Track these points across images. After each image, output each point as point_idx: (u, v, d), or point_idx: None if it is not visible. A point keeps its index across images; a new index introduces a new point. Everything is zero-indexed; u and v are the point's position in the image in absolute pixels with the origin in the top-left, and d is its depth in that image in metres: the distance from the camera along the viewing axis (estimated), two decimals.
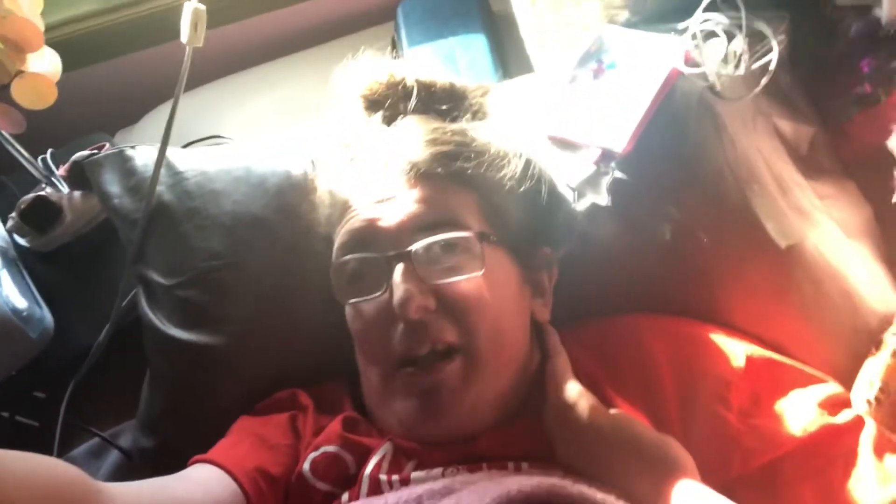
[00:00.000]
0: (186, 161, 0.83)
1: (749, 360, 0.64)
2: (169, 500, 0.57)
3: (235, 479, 0.61)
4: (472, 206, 0.66)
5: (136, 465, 0.77)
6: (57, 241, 0.93)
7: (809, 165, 0.71)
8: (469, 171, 0.66)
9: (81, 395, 0.83)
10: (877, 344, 0.63)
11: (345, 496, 0.62)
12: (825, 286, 0.66)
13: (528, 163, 0.70)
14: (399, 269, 0.61)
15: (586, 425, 0.60)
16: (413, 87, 0.73)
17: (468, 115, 0.73)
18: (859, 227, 0.70)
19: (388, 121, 0.72)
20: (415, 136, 0.67)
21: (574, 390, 0.63)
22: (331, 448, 0.64)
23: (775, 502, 0.61)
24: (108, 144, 0.97)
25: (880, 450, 0.59)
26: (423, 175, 0.65)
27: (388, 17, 1.10)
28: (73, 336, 0.88)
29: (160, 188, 0.80)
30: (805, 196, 0.69)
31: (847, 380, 0.64)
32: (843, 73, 0.72)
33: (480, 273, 0.62)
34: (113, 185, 0.83)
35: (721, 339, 0.65)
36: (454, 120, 0.73)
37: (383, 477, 0.61)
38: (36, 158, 0.96)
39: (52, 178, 0.96)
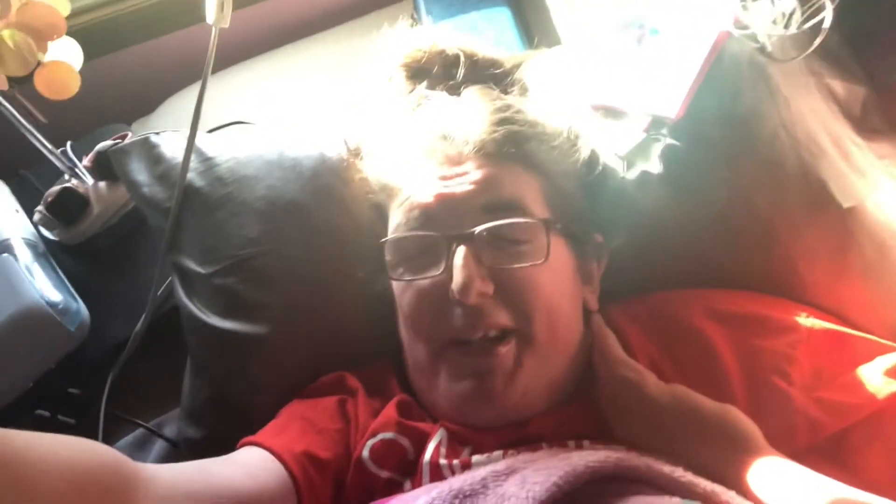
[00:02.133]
0: (216, 146, 0.81)
1: (809, 332, 0.63)
2: (212, 482, 0.55)
3: (283, 462, 0.60)
4: (538, 190, 0.65)
5: (183, 454, 0.75)
6: (85, 233, 0.91)
7: (863, 126, 0.70)
8: (539, 155, 0.65)
9: (120, 388, 0.81)
10: None
11: (407, 484, 0.61)
12: (888, 248, 0.64)
13: (585, 146, 0.69)
14: (461, 251, 0.60)
15: (642, 399, 0.59)
16: (458, 56, 0.71)
17: (516, 89, 0.72)
18: None
19: (445, 90, 0.70)
20: (482, 112, 0.66)
21: (626, 366, 0.62)
22: (388, 435, 0.63)
23: (845, 470, 0.59)
24: (129, 133, 0.95)
25: None
26: (491, 154, 0.63)
27: None
28: (108, 328, 0.86)
29: (191, 175, 0.78)
30: (864, 156, 0.67)
31: None
32: (890, 31, 0.70)
33: (543, 262, 0.61)
34: (141, 173, 0.81)
35: (779, 312, 0.64)
36: (505, 93, 0.71)
37: (443, 462, 0.60)
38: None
39: (76, 170, 0.94)
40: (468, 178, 0.63)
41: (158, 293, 0.83)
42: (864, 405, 0.59)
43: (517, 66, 0.76)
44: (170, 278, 0.85)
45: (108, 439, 0.78)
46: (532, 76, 0.75)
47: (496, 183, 0.63)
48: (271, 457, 0.60)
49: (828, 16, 0.66)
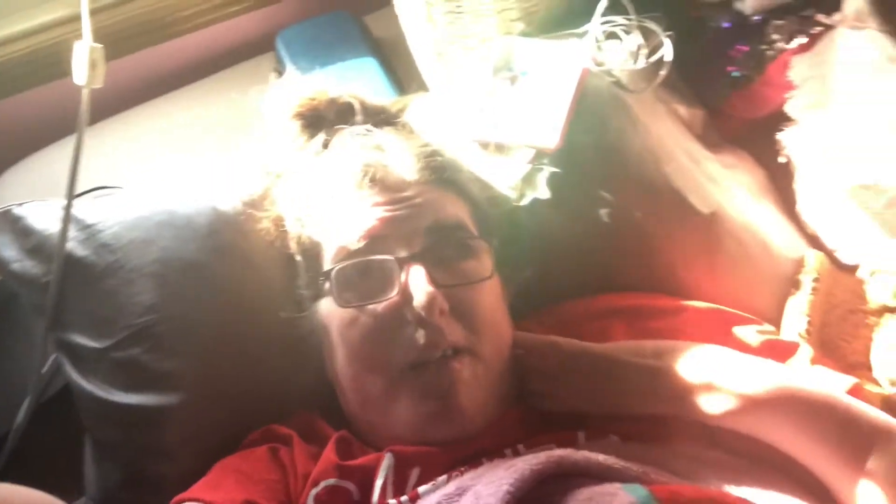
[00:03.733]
0: (94, 212, 0.76)
1: (694, 311, 0.71)
2: None
3: None
4: (469, 216, 0.68)
5: None
6: None
7: (706, 142, 0.82)
8: (468, 184, 0.69)
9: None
10: (795, 285, 0.74)
11: None
12: (746, 242, 0.75)
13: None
14: (418, 270, 0.61)
15: (571, 356, 0.65)
16: (351, 103, 0.74)
17: (406, 130, 0.75)
18: (761, 188, 0.81)
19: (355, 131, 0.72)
20: (410, 144, 0.68)
21: (542, 340, 0.66)
22: (330, 481, 0.62)
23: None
24: None
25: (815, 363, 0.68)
26: (430, 181, 0.66)
27: (265, 48, 1.09)
28: None
29: (69, 244, 0.73)
30: (714, 167, 0.79)
31: (773, 323, 0.73)
32: (715, 60, 0.83)
33: (490, 278, 0.64)
34: (7, 248, 0.75)
35: (666, 301, 0.73)
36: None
37: (391, 502, 0.60)
38: None
39: None
40: (410, 202, 0.65)
41: (41, 376, 0.75)
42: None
43: (402, 110, 0.80)
44: (51, 360, 0.78)
45: None
46: (418, 118, 0.80)
47: (439, 206, 0.66)
48: None
49: (668, 51, 0.78)
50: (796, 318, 0.72)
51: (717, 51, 0.82)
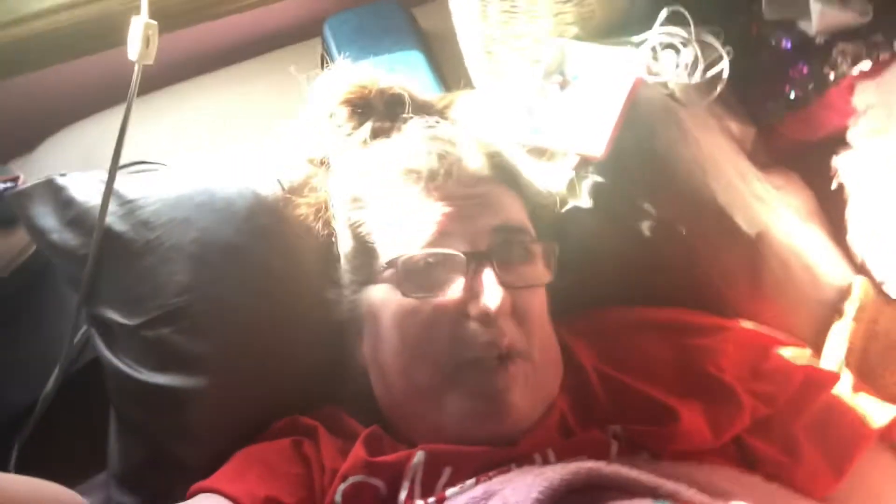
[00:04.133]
0: (136, 188, 0.76)
1: (734, 330, 0.70)
2: None
3: None
4: (526, 216, 0.69)
5: None
6: None
7: (756, 161, 0.80)
8: (523, 183, 0.69)
9: (30, 458, 0.73)
10: (839, 312, 0.72)
11: None
12: (791, 265, 0.74)
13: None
14: (489, 271, 0.61)
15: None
16: (402, 95, 0.73)
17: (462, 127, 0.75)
18: (809, 211, 0.79)
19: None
20: (473, 142, 0.68)
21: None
22: (358, 478, 0.61)
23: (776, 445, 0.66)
24: (22, 176, 0.87)
25: (856, 390, 0.67)
26: (495, 178, 0.67)
27: (312, 34, 1.08)
28: (9, 392, 0.77)
29: (109, 219, 0.73)
30: (763, 187, 0.77)
31: (813, 347, 0.72)
32: (773, 79, 0.81)
33: (544, 283, 0.65)
34: (47, 218, 0.75)
35: (705, 319, 0.72)
36: None
37: (419, 502, 0.59)
38: None
39: None
40: (479, 200, 0.65)
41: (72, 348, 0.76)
42: (785, 391, 0.67)
43: (448, 107, 0.79)
44: (82, 332, 0.79)
45: None
46: (464, 116, 0.79)
47: (506, 206, 0.67)
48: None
49: (725, 67, 0.76)
50: (838, 344, 0.71)
51: (777, 70, 0.81)
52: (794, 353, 0.70)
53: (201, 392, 0.69)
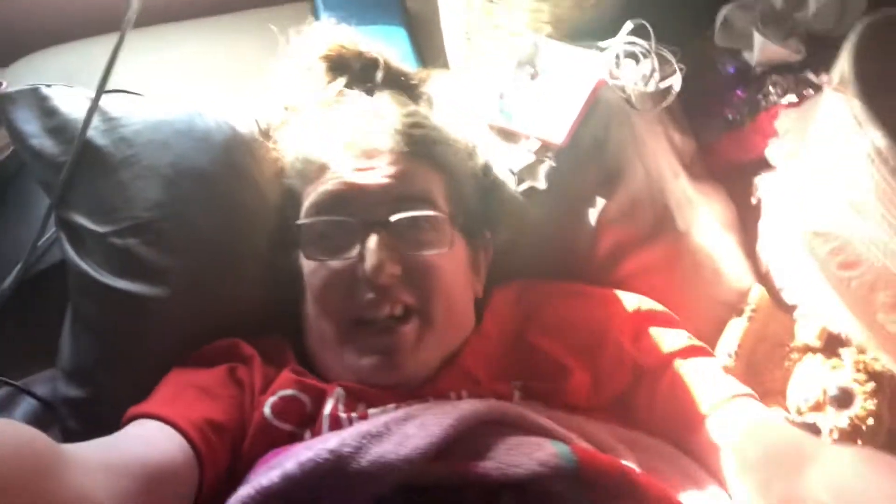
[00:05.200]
0: (120, 108, 0.79)
1: (642, 306, 0.76)
2: (123, 456, 0.55)
3: (183, 432, 0.60)
4: (442, 188, 0.73)
5: (58, 416, 0.72)
6: None
7: (691, 171, 0.89)
8: (445, 158, 0.74)
9: None
10: (737, 312, 0.81)
11: (307, 435, 0.65)
12: (703, 265, 0.82)
13: (480, 153, 0.80)
14: (374, 237, 0.66)
15: None
16: (377, 60, 0.79)
17: (423, 101, 0.81)
18: (728, 221, 0.88)
19: (362, 90, 0.77)
20: (397, 114, 0.73)
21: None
22: (288, 392, 0.67)
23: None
24: (4, 82, 0.88)
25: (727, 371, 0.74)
26: (405, 152, 0.71)
27: None
28: None
29: (91, 132, 0.76)
30: (692, 193, 0.86)
31: (709, 341, 0.78)
32: (715, 100, 0.90)
33: (447, 251, 0.70)
34: (29, 123, 0.77)
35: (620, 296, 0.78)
36: (415, 103, 0.80)
37: (342, 415, 0.64)
38: None
39: None
40: (382, 171, 0.70)
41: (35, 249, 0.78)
42: (670, 350, 0.73)
43: (424, 81, 0.85)
44: (46, 237, 0.81)
45: None
46: (438, 91, 0.85)
47: (409, 177, 0.71)
48: (168, 427, 0.61)
49: (677, 81, 0.85)
50: (730, 339, 0.79)
51: (719, 91, 0.90)
52: (684, 335, 0.75)
53: (159, 301, 0.72)
